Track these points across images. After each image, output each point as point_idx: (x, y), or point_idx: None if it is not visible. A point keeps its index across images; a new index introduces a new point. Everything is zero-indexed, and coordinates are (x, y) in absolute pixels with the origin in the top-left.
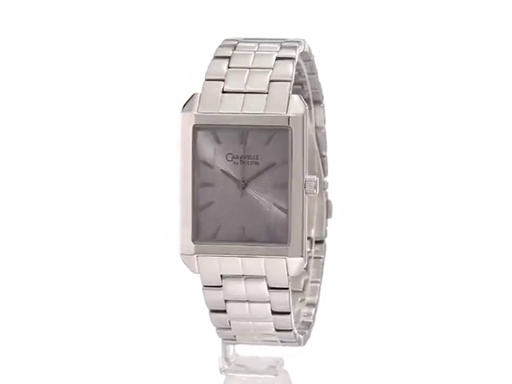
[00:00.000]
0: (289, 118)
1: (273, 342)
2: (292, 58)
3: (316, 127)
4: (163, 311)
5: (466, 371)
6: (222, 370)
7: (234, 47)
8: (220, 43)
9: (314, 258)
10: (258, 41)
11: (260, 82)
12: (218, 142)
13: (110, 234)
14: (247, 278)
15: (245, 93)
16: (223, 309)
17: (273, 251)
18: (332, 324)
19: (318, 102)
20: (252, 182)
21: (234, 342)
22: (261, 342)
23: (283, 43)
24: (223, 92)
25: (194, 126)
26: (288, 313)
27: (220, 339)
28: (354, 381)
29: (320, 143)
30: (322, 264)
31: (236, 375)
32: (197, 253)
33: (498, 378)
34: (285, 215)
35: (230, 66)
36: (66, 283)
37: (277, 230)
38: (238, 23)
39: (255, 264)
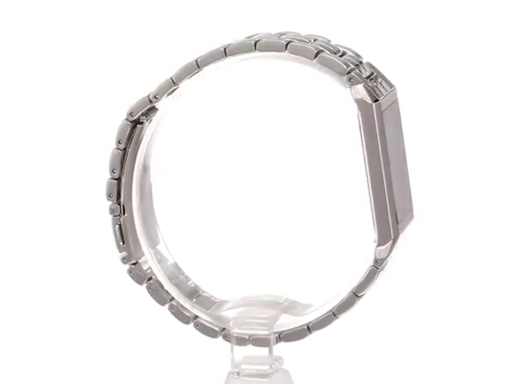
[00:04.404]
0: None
1: None
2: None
3: None
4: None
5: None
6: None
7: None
8: (293, 43)
9: None
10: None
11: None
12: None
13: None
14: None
15: (370, 78)
16: None
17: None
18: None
19: None
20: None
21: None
22: None
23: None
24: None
25: (382, 111)
26: None
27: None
28: (354, 381)
29: None
30: None
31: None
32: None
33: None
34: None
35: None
36: (67, 282)
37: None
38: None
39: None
